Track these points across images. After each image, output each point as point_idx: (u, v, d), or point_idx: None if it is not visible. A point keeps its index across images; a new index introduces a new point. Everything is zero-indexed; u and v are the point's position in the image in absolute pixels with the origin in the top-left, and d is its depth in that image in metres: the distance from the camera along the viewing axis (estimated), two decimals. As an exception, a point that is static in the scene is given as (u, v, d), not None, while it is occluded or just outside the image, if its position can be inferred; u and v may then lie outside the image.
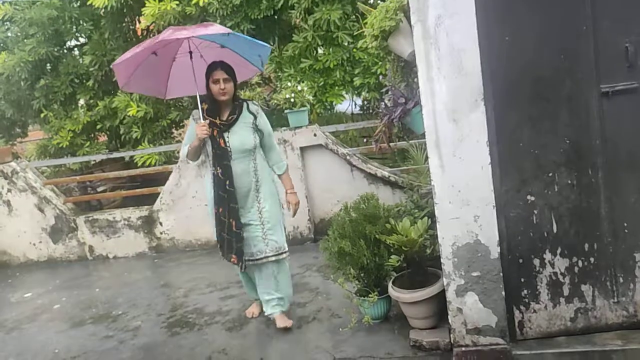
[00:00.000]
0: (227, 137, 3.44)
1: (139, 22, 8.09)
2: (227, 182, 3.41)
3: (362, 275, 3.53)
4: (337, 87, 6.75)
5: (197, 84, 3.45)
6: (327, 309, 3.96)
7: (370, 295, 3.38)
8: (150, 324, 4.21)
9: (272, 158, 3.65)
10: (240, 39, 3.64)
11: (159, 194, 6.17)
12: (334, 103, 7.06)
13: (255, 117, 3.50)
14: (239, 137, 3.45)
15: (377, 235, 3.35)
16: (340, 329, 3.56)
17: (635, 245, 2.76)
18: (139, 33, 8.29)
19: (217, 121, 3.44)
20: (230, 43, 3.57)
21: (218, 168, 3.44)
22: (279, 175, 3.68)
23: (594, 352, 2.75)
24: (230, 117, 3.46)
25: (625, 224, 2.75)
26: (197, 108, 3.49)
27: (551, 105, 2.69)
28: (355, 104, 8.50)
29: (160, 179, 6.61)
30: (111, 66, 2.69)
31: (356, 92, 6.96)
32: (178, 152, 6.14)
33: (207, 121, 3.40)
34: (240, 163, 3.47)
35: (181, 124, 6.28)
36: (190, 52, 3.49)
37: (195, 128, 3.46)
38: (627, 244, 2.77)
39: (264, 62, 3.81)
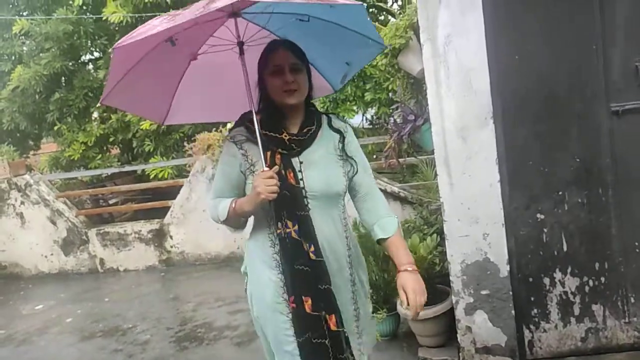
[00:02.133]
0: (300, 168, 1.85)
1: (153, 37, 8.21)
2: (312, 247, 1.80)
3: (370, 292, 3.51)
4: (348, 102, 6.81)
5: (248, 90, 1.84)
6: (335, 324, 3.95)
7: (378, 312, 3.37)
8: (159, 337, 4.22)
9: (375, 209, 1.94)
10: (327, 27, 1.90)
11: (169, 207, 6.20)
12: (345, 117, 7.11)
13: (343, 138, 1.94)
14: (322, 171, 1.86)
15: (386, 252, 3.34)
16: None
17: (647, 265, 2.74)
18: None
19: (284, 136, 1.85)
20: (302, 32, 1.91)
21: (288, 223, 1.81)
22: (383, 240, 1.92)
23: (605, 373, 2.73)
24: (306, 129, 1.89)
25: (637, 243, 2.73)
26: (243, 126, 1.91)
27: (561, 124, 2.69)
28: (366, 119, 8.54)
29: (172, 192, 6.65)
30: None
31: (367, 107, 7.01)
32: (189, 166, 6.18)
33: (276, 168, 1.78)
34: (321, 216, 1.86)
35: (193, 138, 6.34)
36: (241, 43, 1.87)
37: (245, 174, 1.88)
38: (639, 264, 2.74)
39: (351, 74, 2.21)
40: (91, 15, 8.06)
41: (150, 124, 7.57)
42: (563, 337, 2.84)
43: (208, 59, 1.99)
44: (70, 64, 8.19)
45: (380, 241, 1.94)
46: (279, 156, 1.84)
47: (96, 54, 8.80)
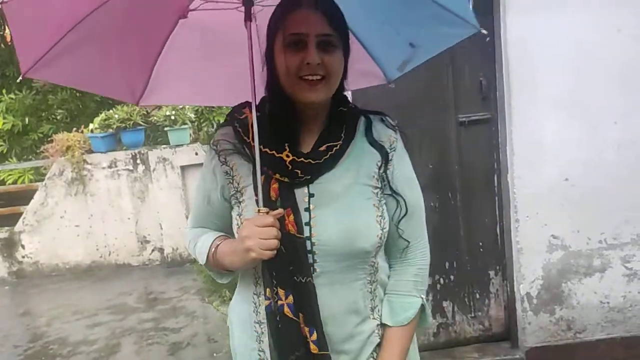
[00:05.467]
0: (309, 205, 1.16)
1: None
2: (315, 334, 1.14)
3: (237, 297, 3.46)
4: (225, 107, 6.72)
5: (252, 71, 1.18)
6: (203, 333, 3.85)
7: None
8: (5, 357, 3.82)
9: (403, 276, 1.29)
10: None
11: (22, 213, 5.66)
12: (221, 122, 7.01)
13: (387, 159, 1.25)
14: (343, 213, 1.17)
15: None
16: (215, 354, 3.47)
17: (489, 263, 2.99)
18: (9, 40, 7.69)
19: (285, 155, 1.15)
20: None
21: (280, 292, 1.15)
22: (386, 327, 1.28)
23: (453, 365, 2.93)
24: (325, 146, 1.18)
25: (480, 243, 2.98)
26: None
27: (416, 133, 2.86)
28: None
29: (28, 197, 6.08)
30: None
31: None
32: (45, 169, 5.70)
33: (280, 211, 1.12)
34: (332, 285, 1.18)
35: (50, 139, 5.86)
36: (250, 1, 1.21)
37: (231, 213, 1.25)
38: (483, 262, 2.99)
39: (416, 62, 1.38)
40: None
41: (4, 123, 6.90)
42: (417, 333, 3.00)
43: (203, 19, 1.34)
44: None
45: (383, 325, 1.26)
46: (275, 186, 1.14)
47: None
